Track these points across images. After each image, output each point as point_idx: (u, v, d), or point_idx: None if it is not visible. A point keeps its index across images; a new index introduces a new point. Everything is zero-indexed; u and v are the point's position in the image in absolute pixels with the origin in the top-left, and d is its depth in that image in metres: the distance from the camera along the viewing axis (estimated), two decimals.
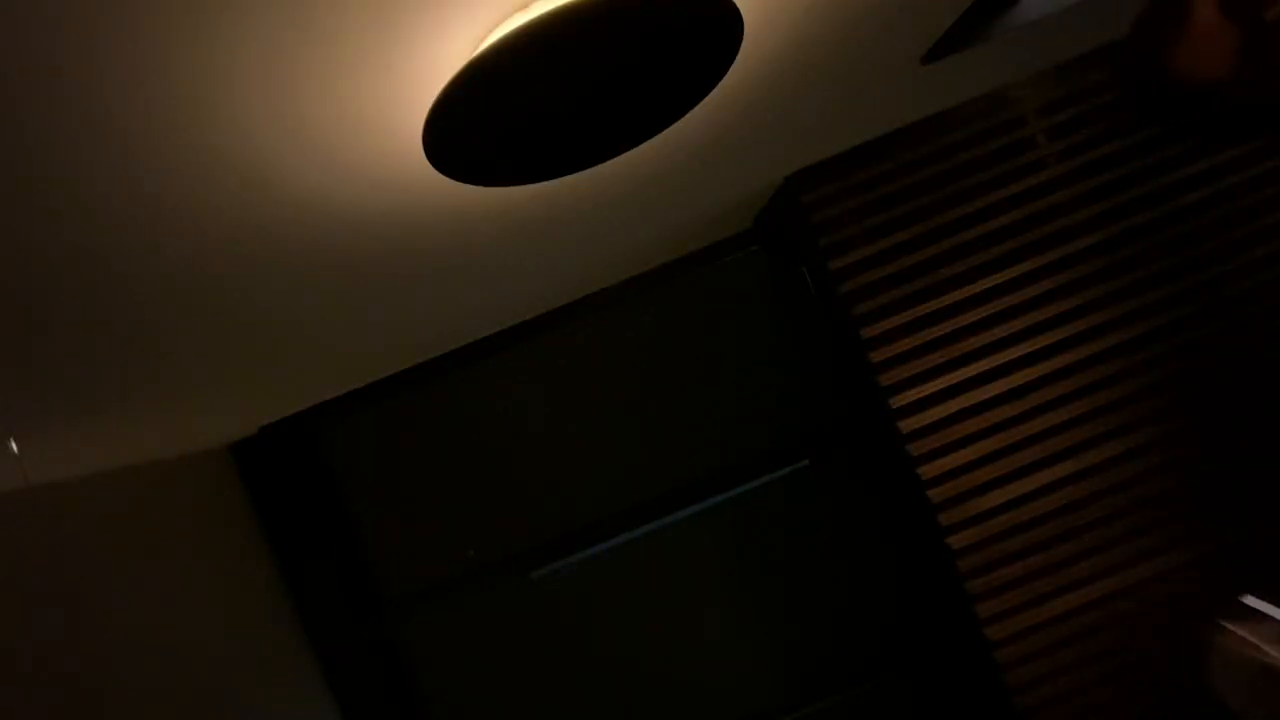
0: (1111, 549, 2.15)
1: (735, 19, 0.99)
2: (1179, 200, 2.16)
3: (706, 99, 1.17)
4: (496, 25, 0.91)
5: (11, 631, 1.52)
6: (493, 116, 1.01)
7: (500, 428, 2.82)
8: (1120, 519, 2.15)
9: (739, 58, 1.10)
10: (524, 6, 0.90)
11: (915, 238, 2.18)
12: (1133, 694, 2.15)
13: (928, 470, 2.16)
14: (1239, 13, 0.79)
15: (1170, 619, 2.14)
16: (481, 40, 0.92)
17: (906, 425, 2.17)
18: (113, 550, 1.93)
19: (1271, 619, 0.80)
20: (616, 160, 1.23)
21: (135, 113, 0.79)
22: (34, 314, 1.08)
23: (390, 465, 2.82)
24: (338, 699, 2.66)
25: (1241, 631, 0.78)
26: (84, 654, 1.67)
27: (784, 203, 2.30)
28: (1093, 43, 2.14)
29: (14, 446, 1.37)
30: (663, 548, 2.80)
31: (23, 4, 0.61)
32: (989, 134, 2.18)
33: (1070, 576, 2.15)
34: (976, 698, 2.31)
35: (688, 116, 1.19)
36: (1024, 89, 2.17)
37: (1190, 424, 2.15)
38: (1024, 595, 2.15)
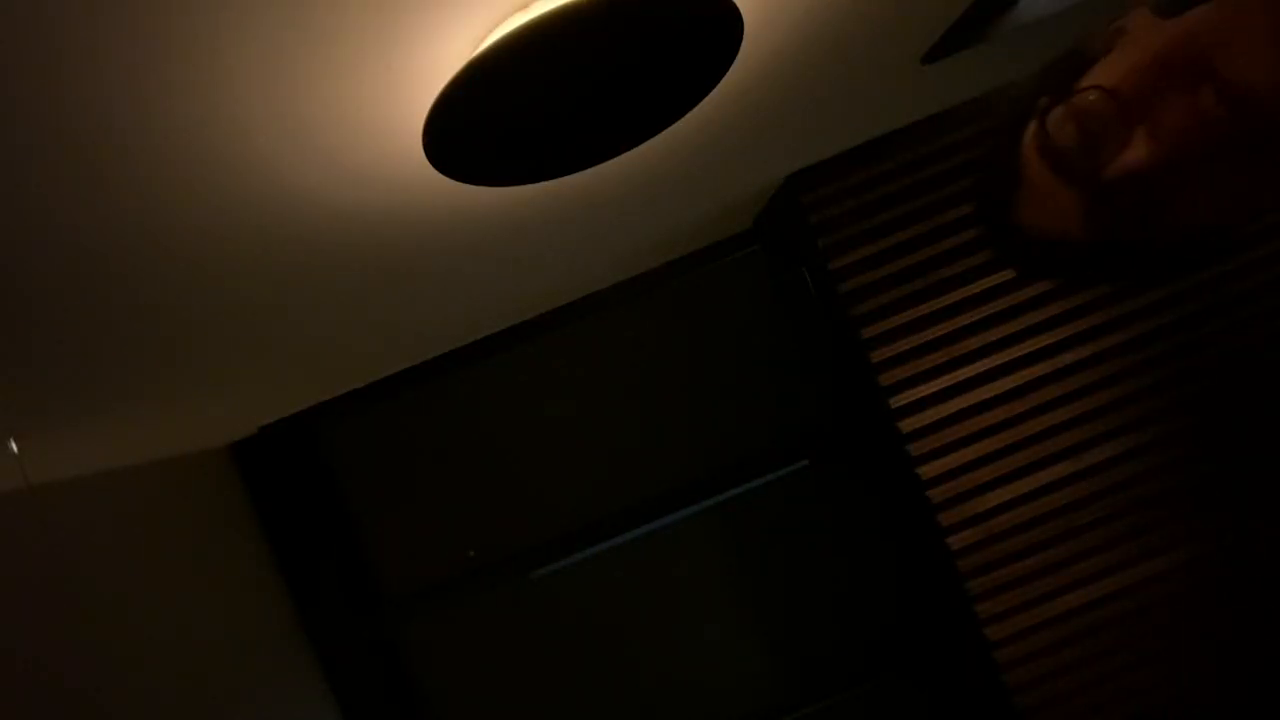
0: (1111, 549, 2.15)
1: (735, 19, 0.99)
2: None
3: (706, 99, 1.17)
4: (496, 25, 0.91)
5: (11, 631, 1.52)
6: (493, 116, 1.01)
7: (500, 427, 2.82)
8: (1120, 519, 2.15)
9: (739, 58, 1.09)
10: (524, 6, 0.90)
11: (915, 238, 2.17)
12: (1133, 694, 2.15)
13: (928, 470, 2.16)
14: (1069, 173, 0.70)
15: (1170, 619, 2.14)
16: (481, 40, 0.92)
17: (906, 425, 2.16)
18: (113, 550, 1.93)
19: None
20: (616, 160, 1.23)
21: (134, 112, 0.79)
22: (34, 314, 1.08)
23: (390, 465, 2.82)
24: (338, 699, 2.66)
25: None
26: (84, 654, 1.67)
27: (784, 203, 2.30)
28: None
29: (14, 446, 1.36)
30: (663, 548, 2.80)
31: (22, 4, 0.61)
32: (989, 134, 2.17)
33: (1070, 576, 2.15)
34: (976, 697, 2.31)
35: (688, 116, 1.19)
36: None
37: (1190, 424, 2.15)
38: (1024, 595, 2.15)
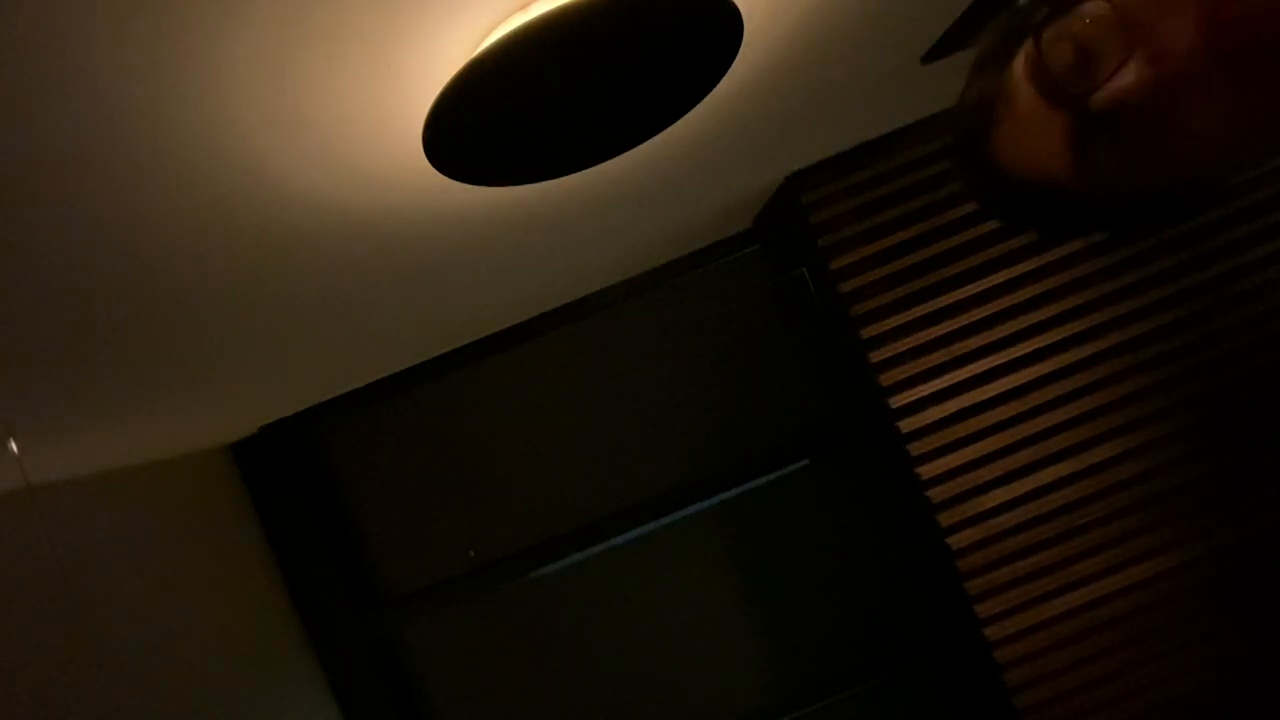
0: (1112, 549, 2.15)
1: (735, 19, 0.99)
2: None
3: (707, 98, 1.17)
4: (496, 25, 0.92)
5: (10, 631, 1.52)
6: (493, 116, 1.01)
7: (500, 428, 2.82)
8: (1120, 519, 2.15)
9: (739, 58, 1.10)
10: (524, 6, 0.90)
11: (915, 238, 2.17)
12: (1133, 694, 2.15)
13: (928, 470, 2.16)
14: (1060, 97, 0.65)
15: (1170, 619, 2.14)
16: (481, 40, 0.92)
17: (906, 425, 2.16)
18: (113, 550, 1.93)
19: None
20: (616, 160, 1.23)
21: (133, 112, 0.79)
22: (34, 314, 1.08)
23: (390, 465, 2.82)
24: (338, 699, 2.66)
25: None
26: (83, 654, 1.67)
27: (784, 203, 2.30)
28: None
29: (14, 446, 1.36)
30: (663, 548, 2.80)
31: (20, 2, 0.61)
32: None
33: (1070, 576, 2.15)
34: (976, 697, 2.31)
35: (688, 116, 1.19)
36: None
37: (1190, 424, 2.15)
38: (1024, 595, 2.15)
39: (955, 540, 2.15)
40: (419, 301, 1.94)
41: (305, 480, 2.74)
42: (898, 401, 2.17)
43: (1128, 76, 0.61)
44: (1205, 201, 0.89)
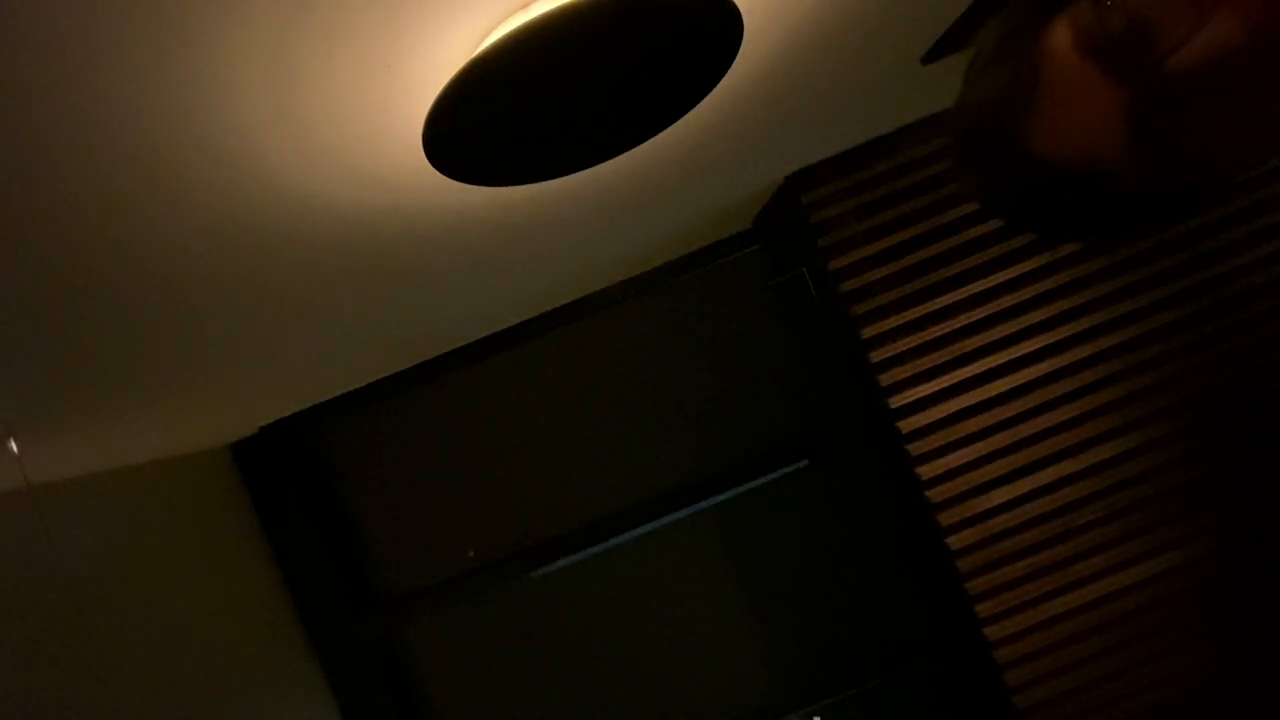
0: (1111, 549, 2.15)
1: (735, 19, 0.99)
2: None
3: (706, 99, 1.17)
4: (496, 25, 0.92)
5: (10, 631, 1.52)
6: (493, 116, 1.01)
7: (500, 428, 2.82)
8: (1120, 519, 2.15)
9: (739, 58, 1.10)
10: (524, 6, 0.90)
11: (915, 238, 2.17)
12: (1133, 693, 2.15)
13: (928, 470, 2.16)
14: (1125, 66, 0.57)
15: (1170, 619, 2.14)
16: (481, 40, 0.92)
17: (906, 425, 2.16)
18: (113, 550, 1.93)
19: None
20: (617, 160, 1.23)
21: (135, 112, 0.79)
22: (35, 314, 1.08)
23: (390, 465, 2.82)
24: (338, 699, 2.66)
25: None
26: (83, 654, 1.67)
27: (784, 203, 2.30)
28: None
29: (14, 446, 1.36)
30: (663, 548, 2.80)
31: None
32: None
33: (1070, 576, 2.15)
34: (976, 697, 2.31)
35: (688, 116, 1.19)
36: None
37: (1190, 424, 2.14)
38: (1024, 595, 2.15)
39: (955, 540, 2.15)
40: (419, 301, 1.94)
41: (305, 480, 2.74)
42: (898, 401, 2.17)
43: (1218, 30, 0.54)
44: (1209, 200, 0.86)
